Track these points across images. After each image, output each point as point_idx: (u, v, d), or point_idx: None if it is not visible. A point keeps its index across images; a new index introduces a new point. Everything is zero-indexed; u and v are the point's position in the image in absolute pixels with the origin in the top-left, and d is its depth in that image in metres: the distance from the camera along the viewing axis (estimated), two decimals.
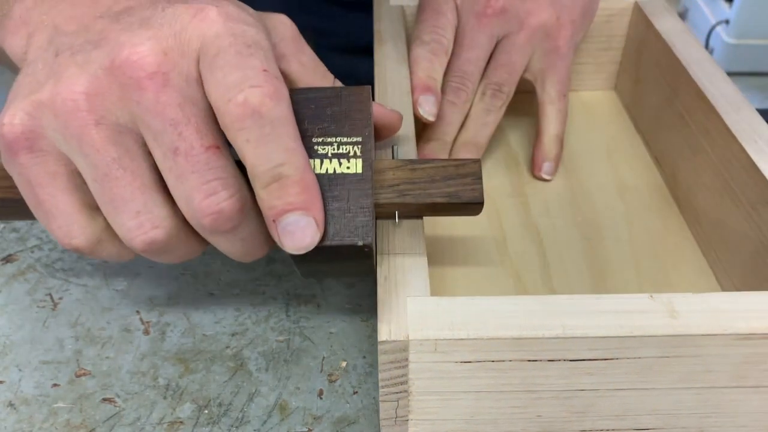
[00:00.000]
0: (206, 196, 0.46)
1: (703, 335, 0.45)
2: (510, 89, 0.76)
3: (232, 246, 0.50)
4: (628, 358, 0.46)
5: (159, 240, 0.48)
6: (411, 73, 0.73)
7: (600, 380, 0.48)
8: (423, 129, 0.76)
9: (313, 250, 0.48)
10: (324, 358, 0.63)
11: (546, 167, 0.79)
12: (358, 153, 0.50)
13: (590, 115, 0.89)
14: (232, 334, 0.65)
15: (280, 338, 0.65)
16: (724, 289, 0.66)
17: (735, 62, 2.87)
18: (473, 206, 0.53)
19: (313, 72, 0.56)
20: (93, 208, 0.49)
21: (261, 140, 0.45)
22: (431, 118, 0.71)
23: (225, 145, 0.47)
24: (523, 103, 0.83)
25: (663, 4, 0.86)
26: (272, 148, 0.45)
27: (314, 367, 0.63)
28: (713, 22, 2.98)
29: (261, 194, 0.46)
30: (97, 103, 0.46)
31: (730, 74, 0.72)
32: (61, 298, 0.68)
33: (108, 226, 0.50)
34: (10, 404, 0.59)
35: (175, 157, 0.45)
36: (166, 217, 0.48)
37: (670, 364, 0.47)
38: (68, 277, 0.70)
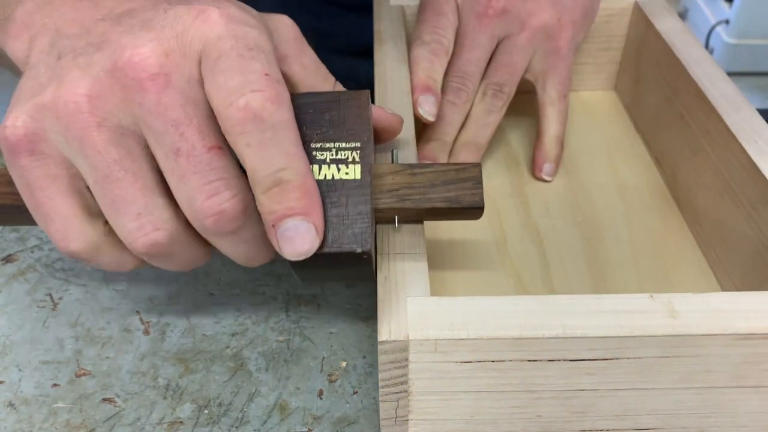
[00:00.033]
0: (208, 197, 0.45)
1: (703, 335, 0.45)
2: (511, 90, 0.76)
3: (235, 249, 0.50)
4: (628, 358, 0.46)
5: (161, 242, 0.48)
6: (411, 73, 0.72)
7: (600, 380, 0.48)
8: (423, 129, 0.76)
9: (311, 256, 0.48)
10: (324, 358, 0.63)
11: (546, 168, 0.78)
12: (357, 158, 0.50)
13: (590, 115, 0.89)
14: (232, 334, 0.65)
15: (280, 338, 0.65)
16: (724, 289, 0.66)
17: (735, 62, 2.87)
18: (474, 211, 0.53)
19: (314, 74, 0.56)
20: (92, 213, 0.49)
21: (262, 145, 0.45)
22: (431, 119, 0.70)
23: (227, 145, 0.47)
24: (524, 103, 0.82)
25: (663, 4, 0.86)
26: (273, 153, 0.45)
27: (314, 367, 0.63)
28: (713, 22, 2.97)
29: (261, 199, 0.46)
30: (99, 105, 0.46)
31: (730, 74, 0.72)
32: (61, 298, 0.68)
33: (107, 233, 0.50)
34: (10, 404, 0.59)
35: (177, 158, 0.45)
36: (168, 219, 0.48)
37: (670, 364, 0.47)
38: (68, 277, 0.70)
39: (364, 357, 0.63)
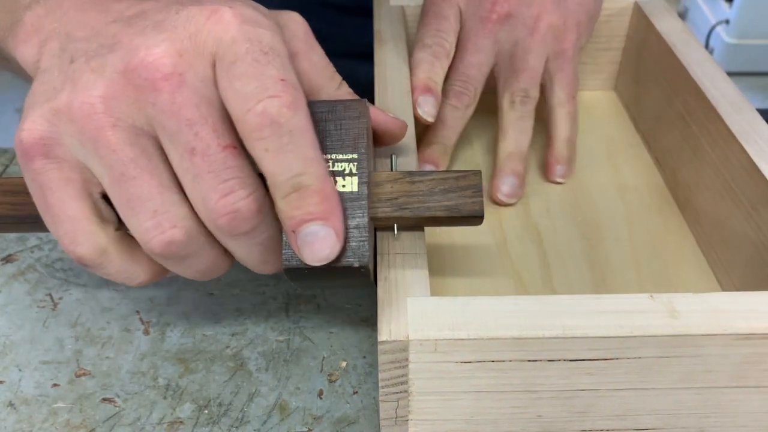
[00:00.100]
0: (223, 196, 0.45)
1: (703, 335, 0.45)
2: (536, 93, 0.76)
3: (250, 252, 0.50)
4: (628, 358, 0.46)
5: (178, 240, 0.47)
6: (412, 75, 0.72)
7: (600, 380, 0.47)
8: (424, 132, 0.76)
9: (308, 270, 0.48)
10: (324, 358, 0.63)
11: (559, 170, 0.78)
12: (354, 171, 0.50)
13: (590, 116, 0.89)
14: (232, 334, 0.65)
15: (280, 338, 0.65)
16: (724, 289, 0.65)
17: (735, 62, 2.88)
18: (473, 219, 0.53)
19: (322, 71, 0.56)
20: (103, 218, 0.49)
21: (280, 150, 0.45)
22: (430, 119, 0.70)
23: (241, 145, 0.46)
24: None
25: (663, 4, 0.86)
26: (291, 158, 0.45)
27: (314, 367, 0.63)
28: (713, 22, 2.98)
29: (280, 204, 0.46)
30: (114, 106, 0.46)
31: (730, 74, 0.72)
32: (61, 298, 0.68)
33: (116, 238, 0.50)
34: (10, 404, 0.59)
35: (192, 157, 0.45)
36: (184, 216, 0.47)
37: (670, 364, 0.47)
38: (68, 277, 0.70)
39: (364, 357, 0.63)
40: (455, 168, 0.80)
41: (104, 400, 0.60)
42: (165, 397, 0.60)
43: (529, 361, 0.46)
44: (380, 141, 0.59)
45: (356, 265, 0.48)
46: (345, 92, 0.57)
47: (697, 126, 0.70)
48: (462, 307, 0.47)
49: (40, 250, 0.74)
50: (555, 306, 0.47)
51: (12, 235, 0.75)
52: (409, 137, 0.62)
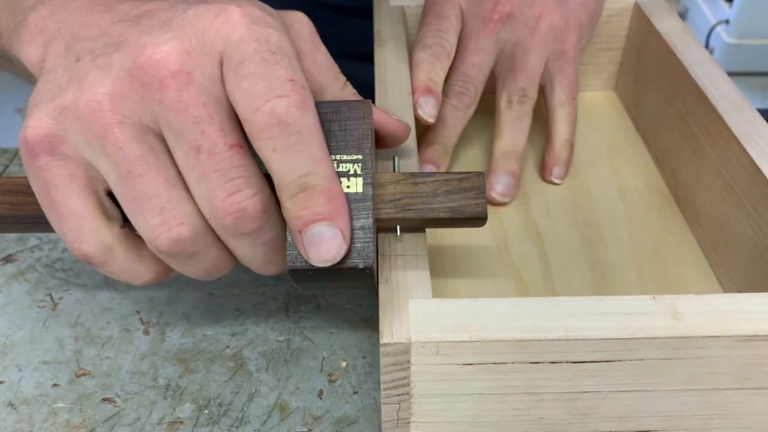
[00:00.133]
0: (229, 194, 0.45)
1: (705, 337, 0.45)
2: (534, 94, 0.76)
3: (254, 252, 0.50)
4: (630, 360, 0.46)
5: (185, 237, 0.47)
6: (412, 75, 0.72)
7: (602, 382, 0.47)
8: (424, 133, 0.76)
9: (312, 271, 0.48)
10: (324, 358, 0.63)
11: (556, 171, 0.78)
12: (359, 171, 0.50)
13: (590, 116, 0.89)
14: (232, 334, 0.65)
15: (280, 338, 0.65)
16: (725, 289, 0.65)
17: (735, 62, 2.88)
18: (476, 221, 0.52)
19: (326, 72, 0.55)
20: (108, 215, 0.49)
21: (288, 150, 0.44)
22: (431, 120, 0.70)
23: (247, 144, 0.46)
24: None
25: (663, 4, 0.86)
26: (299, 158, 0.45)
27: (314, 367, 0.62)
28: (713, 22, 2.98)
29: (287, 204, 0.46)
30: (120, 104, 0.45)
31: (730, 74, 0.72)
32: (61, 298, 0.68)
33: (121, 236, 0.50)
34: (10, 404, 0.59)
35: (198, 156, 0.45)
36: (191, 214, 0.47)
37: (672, 365, 0.47)
38: (68, 277, 0.70)
39: (364, 357, 0.63)
40: (456, 168, 0.80)
41: (104, 400, 0.60)
42: (165, 397, 0.60)
43: (531, 363, 0.46)
44: (383, 143, 0.58)
45: (361, 266, 0.48)
46: (349, 93, 0.57)
47: (697, 126, 0.70)
48: (464, 309, 0.47)
49: (40, 250, 0.73)
50: (557, 308, 0.47)
51: (12, 235, 0.75)
52: (411, 138, 0.62)
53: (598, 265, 0.68)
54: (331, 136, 0.50)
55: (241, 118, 0.45)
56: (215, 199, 0.45)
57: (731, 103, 0.67)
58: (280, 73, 0.45)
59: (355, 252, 0.48)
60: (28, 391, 0.60)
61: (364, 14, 1.00)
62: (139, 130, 0.46)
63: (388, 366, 0.46)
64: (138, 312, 0.67)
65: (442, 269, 0.68)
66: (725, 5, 2.95)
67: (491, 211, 0.74)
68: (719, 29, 2.94)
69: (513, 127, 0.76)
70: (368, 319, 0.67)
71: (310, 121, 0.45)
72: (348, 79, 0.57)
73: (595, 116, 0.89)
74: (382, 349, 0.46)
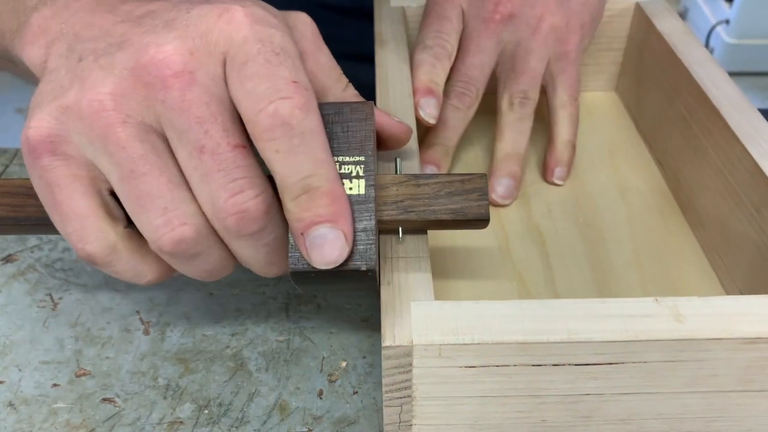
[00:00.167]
0: (232, 195, 0.45)
1: (708, 339, 0.45)
2: (535, 95, 0.76)
3: (256, 253, 0.50)
4: (633, 363, 0.46)
5: (188, 238, 0.47)
6: (413, 77, 0.72)
7: (605, 385, 0.47)
8: (425, 134, 0.76)
9: (314, 273, 0.48)
10: (324, 358, 0.63)
11: (558, 172, 0.78)
12: (361, 173, 0.49)
13: (591, 117, 0.89)
14: (232, 334, 0.65)
15: (280, 338, 0.65)
16: (727, 291, 0.65)
17: (735, 62, 2.88)
18: (479, 222, 0.52)
19: (328, 73, 0.55)
20: (112, 215, 0.49)
21: (291, 151, 0.44)
22: (432, 121, 0.70)
23: (250, 145, 0.46)
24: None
25: (664, 4, 0.86)
26: (302, 159, 0.45)
27: (314, 367, 0.62)
28: (713, 22, 2.98)
29: (290, 206, 0.46)
30: (123, 103, 0.45)
31: (730, 74, 0.72)
32: (61, 298, 0.68)
33: (125, 236, 0.49)
34: (10, 404, 0.59)
35: (201, 156, 0.45)
36: (194, 213, 0.47)
37: (675, 368, 0.47)
38: (68, 277, 0.70)
39: (364, 357, 0.63)
40: (457, 169, 0.80)
41: (104, 400, 0.60)
42: (165, 397, 0.60)
43: (533, 365, 0.46)
44: (384, 145, 0.58)
45: (363, 268, 0.48)
46: (351, 94, 0.56)
47: (698, 127, 0.70)
48: (466, 311, 0.47)
49: (40, 250, 0.73)
50: (559, 310, 0.47)
51: (12, 236, 0.74)
52: (412, 140, 0.62)
53: (599, 266, 0.68)
54: (333, 138, 0.50)
55: (244, 118, 0.45)
56: (218, 199, 0.45)
57: (733, 103, 0.67)
58: (284, 74, 0.45)
59: (357, 254, 0.48)
60: (28, 391, 0.60)
61: (364, 15, 1.00)
62: (141, 130, 0.46)
63: (390, 369, 0.46)
64: (138, 312, 0.67)
65: (444, 270, 0.68)
66: (725, 5, 2.95)
67: (492, 212, 0.74)
68: (719, 29, 2.94)
69: (514, 129, 0.75)
70: (368, 319, 0.66)
71: (313, 122, 0.45)
72: (350, 81, 0.57)
73: (596, 117, 0.89)
74: (384, 352, 0.45)
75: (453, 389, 0.48)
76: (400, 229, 0.53)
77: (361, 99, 0.56)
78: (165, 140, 0.46)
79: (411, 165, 0.61)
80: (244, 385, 0.61)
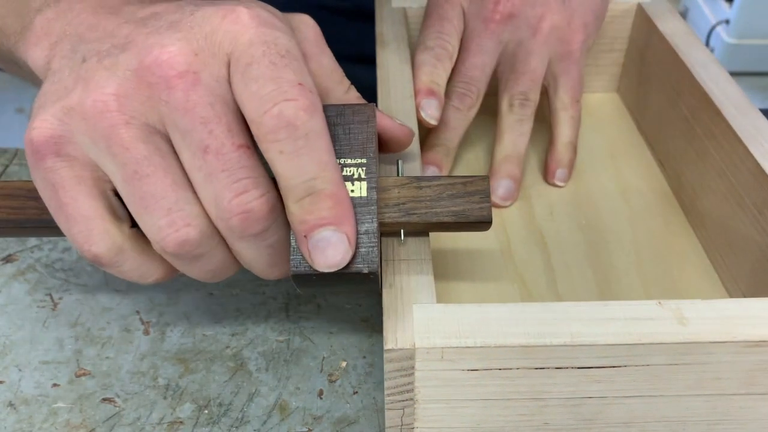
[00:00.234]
0: (236, 195, 0.45)
1: (712, 342, 0.45)
2: (536, 96, 0.76)
3: (259, 255, 0.50)
4: (636, 366, 0.46)
5: (192, 239, 0.47)
6: (414, 78, 0.72)
7: (608, 388, 0.47)
8: (427, 134, 0.75)
9: (316, 276, 0.47)
10: (324, 358, 0.63)
11: (559, 174, 0.78)
12: (363, 175, 0.49)
13: (593, 118, 0.89)
14: (232, 334, 0.65)
15: (280, 338, 0.65)
16: (730, 293, 0.65)
17: (735, 62, 2.88)
18: (481, 225, 0.52)
19: (330, 75, 0.55)
20: (117, 216, 0.49)
21: (295, 153, 0.44)
22: (434, 122, 0.70)
23: (254, 145, 0.46)
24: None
25: (666, 5, 0.86)
26: (306, 161, 0.44)
27: (314, 367, 0.62)
28: (713, 22, 2.98)
29: (293, 208, 0.46)
30: (127, 104, 0.45)
31: (730, 74, 0.72)
32: (61, 298, 0.68)
33: (131, 236, 0.49)
34: (10, 404, 0.59)
35: (205, 156, 0.45)
36: (198, 215, 0.47)
37: (678, 371, 0.46)
38: (68, 277, 0.70)
39: (364, 357, 0.63)
40: (459, 170, 0.80)
41: (104, 400, 0.60)
42: (165, 397, 0.60)
43: (536, 368, 0.46)
44: (386, 147, 0.58)
45: (365, 271, 0.47)
46: (353, 96, 0.56)
47: (701, 128, 0.70)
48: (469, 314, 0.47)
49: (40, 250, 0.73)
50: (562, 313, 0.47)
51: None
52: (414, 142, 0.62)
53: (601, 268, 0.68)
54: (335, 140, 0.50)
55: (249, 120, 0.45)
56: (222, 199, 0.45)
57: (735, 104, 0.67)
58: (289, 76, 0.45)
59: (359, 257, 0.48)
60: (28, 391, 0.60)
61: (365, 17, 1.00)
62: (145, 131, 0.45)
63: (392, 371, 0.46)
64: (138, 312, 0.67)
65: (445, 273, 0.68)
66: (725, 5, 2.95)
67: (494, 214, 0.74)
68: (719, 29, 2.95)
69: (514, 131, 0.75)
70: (368, 319, 0.67)
71: (317, 124, 0.45)
72: (351, 82, 0.57)
73: (598, 118, 0.89)
74: (386, 355, 0.45)
75: (455, 392, 0.48)
76: (402, 231, 0.53)
77: (363, 101, 0.56)
78: (168, 141, 0.46)
79: (413, 167, 0.61)
80: (244, 385, 0.61)
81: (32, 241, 0.74)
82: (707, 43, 2.95)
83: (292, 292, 0.69)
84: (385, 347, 0.45)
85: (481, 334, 0.45)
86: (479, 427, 0.50)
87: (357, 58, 0.96)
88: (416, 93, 0.70)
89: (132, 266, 0.50)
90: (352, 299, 0.68)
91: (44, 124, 0.46)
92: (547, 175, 0.79)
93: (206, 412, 0.59)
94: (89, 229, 0.48)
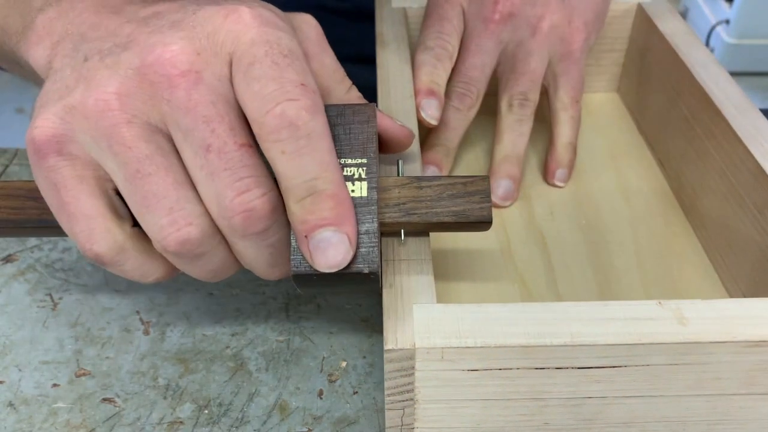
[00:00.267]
0: (238, 194, 0.45)
1: (712, 342, 0.45)
2: (535, 96, 0.76)
3: (259, 254, 0.49)
4: (636, 366, 0.46)
5: (193, 238, 0.47)
6: (414, 78, 0.72)
7: (608, 388, 0.47)
8: (427, 134, 0.75)
9: (317, 276, 0.47)
10: (324, 358, 0.63)
11: (559, 174, 0.78)
12: (363, 175, 0.49)
13: (593, 118, 0.89)
14: (232, 334, 0.65)
15: (280, 338, 0.65)
16: (730, 293, 0.65)
17: (735, 62, 2.88)
18: (482, 225, 0.52)
19: (332, 75, 0.55)
20: (119, 215, 0.49)
21: (296, 152, 0.44)
22: (434, 122, 0.70)
23: (256, 144, 0.46)
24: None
25: (667, 5, 0.86)
26: (307, 161, 0.44)
27: (314, 367, 0.62)
28: (713, 22, 2.98)
29: (294, 208, 0.46)
30: (129, 103, 0.45)
31: (730, 74, 0.72)
32: (61, 298, 0.68)
33: (133, 235, 0.49)
34: (10, 404, 0.59)
35: (207, 154, 0.45)
36: (200, 214, 0.47)
37: (678, 371, 0.46)
38: (68, 277, 0.70)
39: (364, 357, 0.63)
40: (459, 170, 0.80)
41: (104, 400, 0.60)
42: (165, 397, 0.60)
43: (536, 368, 0.46)
44: (386, 148, 0.58)
45: (366, 271, 0.47)
46: (354, 96, 0.56)
47: (701, 128, 0.70)
48: (469, 314, 0.47)
49: (40, 250, 0.73)
50: (562, 313, 0.47)
51: None
52: (414, 142, 0.62)
53: (601, 268, 0.68)
54: (336, 140, 0.50)
55: (250, 119, 0.45)
56: (224, 198, 0.45)
57: (735, 105, 0.67)
58: (291, 76, 0.45)
59: (360, 257, 0.48)
60: (28, 391, 0.60)
61: (364, 17, 1.00)
62: (147, 130, 0.45)
63: (393, 372, 0.46)
64: (138, 312, 0.67)
65: (446, 273, 0.68)
66: (725, 5, 2.95)
67: (494, 214, 0.74)
68: (719, 29, 2.95)
69: (513, 131, 0.75)
70: (368, 319, 0.66)
71: (319, 125, 0.45)
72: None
73: (598, 118, 0.89)
74: (386, 355, 0.45)
75: (455, 392, 0.48)
76: (402, 231, 0.53)
77: (363, 101, 0.56)
78: (170, 140, 0.46)
79: (413, 167, 0.61)
80: (244, 385, 0.61)
81: (32, 241, 0.74)
82: (707, 43, 2.95)
83: (292, 292, 0.69)
84: (385, 347, 0.45)
85: (481, 334, 0.45)
86: (479, 427, 0.50)
87: (357, 58, 0.96)
88: (416, 93, 0.70)
89: (133, 265, 0.50)
90: (352, 299, 0.68)
91: (46, 123, 0.46)
92: (546, 175, 0.79)
93: (206, 412, 0.59)
94: (91, 228, 0.47)
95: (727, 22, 2.91)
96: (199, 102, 0.44)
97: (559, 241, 0.71)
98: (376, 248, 0.48)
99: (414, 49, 0.76)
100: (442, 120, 0.73)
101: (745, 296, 0.63)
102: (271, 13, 0.48)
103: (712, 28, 2.96)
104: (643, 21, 0.85)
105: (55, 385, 0.61)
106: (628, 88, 0.91)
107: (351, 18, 1.06)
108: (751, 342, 0.45)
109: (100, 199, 0.48)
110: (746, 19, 2.86)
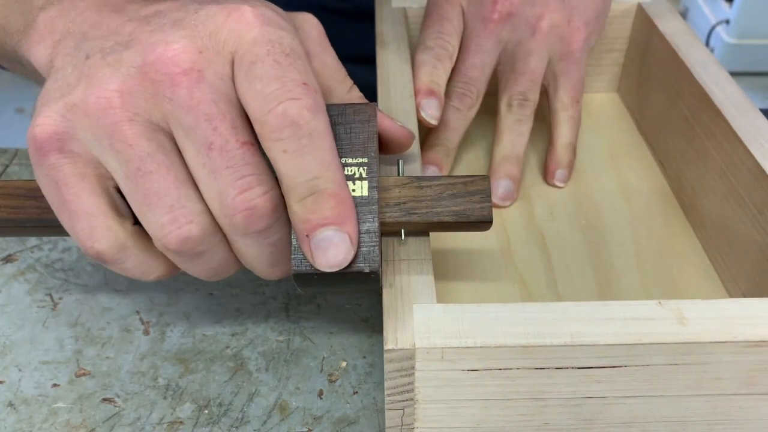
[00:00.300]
0: (240, 192, 0.45)
1: (712, 342, 0.45)
2: (535, 96, 0.76)
3: (260, 253, 0.49)
4: (636, 366, 0.46)
5: (194, 236, 0.47)
6: (414, 78, 0.72)
7: (608, 388, 0.47)
8: (427, 134, 0.75)
9: (318, 275, 0.47)
10: (324, 358, 0.63)
11: (559, 174, 0.78)
12: (364, 175, 0.49)
13: (593, 118, 0.89)
14: (232, 334, 0.65)
15: (280, 338, 0.65)
16: (730, 293, 0.65)
17: (735, 62, 2.88)
18: (482, 224, 0.52)
19: (333, 74, 0.55)
20: (120, 213, 0.49)
21: (298, 152, 0.44)
22: (434, 122, 0.70)
23: (258, 143, 0.46)
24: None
25: (667, 5, 0.86)
26: (309, 160, 0.44)
27: (314, 367, 0.62)
28: (713, 22, 2.98)
29: (295, 208, 0.46)
30: (130, 101, 0.45)
31: (730, 74, 0.72)
32: (61, 298, 0.68)
33: (134, 233, 0.49)
34: (10, 404, 0.59)
35: (209, 152, 0.45)
36: (201, 212, 0.47)
37: (678, 371, 0.46)
38: (68, 277, 0.70)
39: (364, 357, 0.63)
40: (459, 170, 0.80)
41: (104, 400, 0.60)
42: (165, 397, 0.60)
43: (536, 368, 0.46)
44: (386, 148, 0.58)
45: (367, 270, 0.47)
46: (355, 96, 0.56)
47: (701, 128, 0.70)
48: (469, 314, 0.47)
49: (40, 250, 0.73)
50: (562, 313, 0.46)
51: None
52: (414, 142, 0.62)
53: (601, 268, 0.68)
54: (337, 139, 0.50)
55: (252, 118, 0.45)
56: (226, 196, 0.45)
57: (735, 105, 0.67)
58: (293, 76, 0.45)
59: (360, 256, 0.48)
60: (28, 391, 0.60)
61: (364, 17, 1.00)
62: (148, 128, 0.45)
63: (393, 372, 0.46)
64: (138, 312, 0.67)
65: (446, 273, 0.68)
66: (725, 5, 2.95)
67: (494, 214, 0.74)
68: (719, 29, 2.95)
69: (513, 131, 0.75)
70: (368, 319, 0.66)
71: (321, 124, 0.45)
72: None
73: (598, 118, 0.89)
74: (386, 355, 0.45)
75: (455, 392, 0.47)
76: (403, 231, 0.53)
77: (364, 100, 0.56)
78: (172, 138, 0.46)
79: (413, 167, 0.61)
80: (244, 385, 0.61)
81: (32, 241, 0.74)
82: (707, 43, 2.95)
83: (293, 292, 0.69)
84: (385, 347, 0.45)
85: (481, 334, 0.45)
86: (479, 427, 0.50)
87: (357, 58, 0.96)
88: (416, 93, 0.70)
89: (134, 263, 0.50)
90: (352, 299, 0.68)
91: (47, 120, 0.46)
92: (546, 175, 0.79)
93: (206, 412, 0.59)
94: (92, 226, 0.47)
95: (727, 22, 2.91)
96: (201, 100, 0.45)
97: (559, 241, 0.71)
98: (376, 247, 0.48)
99: (414, 49, 0.76)
100: (442, 120, 0.73)
101: (745, 296, 0.63)
102: (273, 12, 0.48)
103: (712, 28, 2.96)
104: (643, 21, 0.85)
105: (55, 385, 0.61)
106: (628, 88, 0.91)
107: (351, 18, 1.06)
108: (751, 342, 0.45)
109: (102, 196, 0.48)
110: (746, 19, 2.86)
